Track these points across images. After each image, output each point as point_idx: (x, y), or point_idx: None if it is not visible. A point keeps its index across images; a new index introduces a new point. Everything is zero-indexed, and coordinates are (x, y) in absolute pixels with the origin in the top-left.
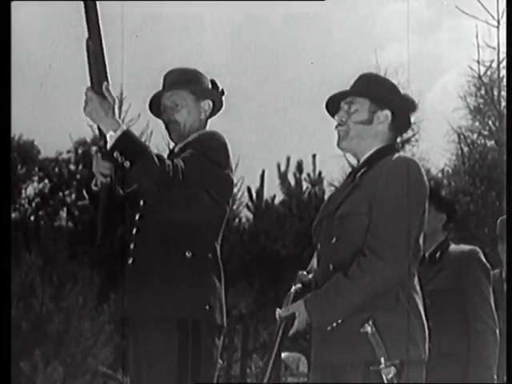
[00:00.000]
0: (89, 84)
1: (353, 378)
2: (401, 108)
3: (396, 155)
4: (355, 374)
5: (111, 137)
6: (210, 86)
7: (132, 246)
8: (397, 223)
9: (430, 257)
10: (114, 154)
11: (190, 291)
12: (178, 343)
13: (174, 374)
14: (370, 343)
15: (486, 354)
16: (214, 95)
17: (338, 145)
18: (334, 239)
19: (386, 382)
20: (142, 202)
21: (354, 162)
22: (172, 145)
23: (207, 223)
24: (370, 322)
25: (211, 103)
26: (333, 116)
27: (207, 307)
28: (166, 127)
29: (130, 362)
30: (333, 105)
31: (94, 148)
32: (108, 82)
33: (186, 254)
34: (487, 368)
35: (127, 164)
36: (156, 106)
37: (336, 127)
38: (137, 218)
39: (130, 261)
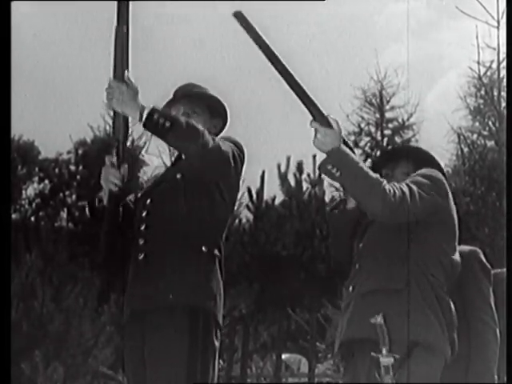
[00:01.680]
0: (111, 75)
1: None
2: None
3: None
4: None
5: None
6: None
7: (142, 242)
8: None
9: None
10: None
11: (202, 283)
12: (188, 334)
13: (183, 366)
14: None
15: (486, 354)
16: (225, 117)
17: None
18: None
19: (382, 369)
20: (148, 201)
21: None
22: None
23: (215, 221)
24: (381, 315)
25: (221, 123)
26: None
27: (215, 301)
28: None
29: (128, 360)
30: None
31: (107, 157)
32: (129, 71)
33: (203, 248)
34: (487, 368)
35: (168, 124)
36: None
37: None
38: (144, 214)
39: (141, 256)
